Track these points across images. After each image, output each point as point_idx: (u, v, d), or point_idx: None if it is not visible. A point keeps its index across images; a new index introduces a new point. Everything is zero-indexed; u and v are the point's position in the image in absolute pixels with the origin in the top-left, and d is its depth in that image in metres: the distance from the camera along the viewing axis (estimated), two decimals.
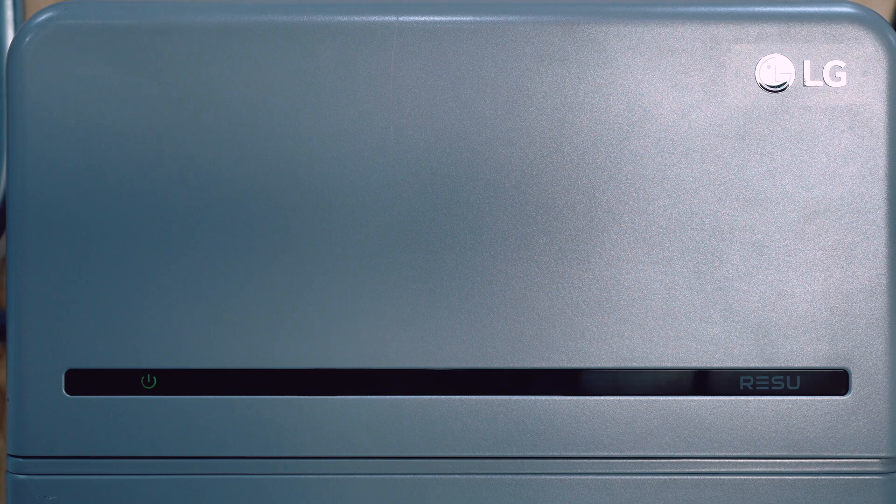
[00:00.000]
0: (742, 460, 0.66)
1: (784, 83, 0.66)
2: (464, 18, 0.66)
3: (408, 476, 0.66)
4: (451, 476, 0.66)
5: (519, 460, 0.66)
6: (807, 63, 0.66)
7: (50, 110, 0.65)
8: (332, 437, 0.66)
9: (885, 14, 0.91)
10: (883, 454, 0.66)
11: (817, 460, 0.66)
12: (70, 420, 0.66)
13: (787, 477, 0.66)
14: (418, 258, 0.65)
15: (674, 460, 0.66)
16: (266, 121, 0.65)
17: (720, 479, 0.66)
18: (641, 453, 0.66)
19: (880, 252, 0.65)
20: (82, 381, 0.66)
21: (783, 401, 0.66)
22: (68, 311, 0.65)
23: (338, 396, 0.66)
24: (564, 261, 0.65)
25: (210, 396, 0.66)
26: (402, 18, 0.66)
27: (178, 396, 0.66)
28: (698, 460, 0.66)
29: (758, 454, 0.66)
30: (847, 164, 0.65)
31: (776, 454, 0.66)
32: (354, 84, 0.65)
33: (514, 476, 0.66)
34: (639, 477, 0.66)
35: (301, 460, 0.66)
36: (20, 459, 0.66)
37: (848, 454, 0.66)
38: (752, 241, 0.65)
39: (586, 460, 0.66)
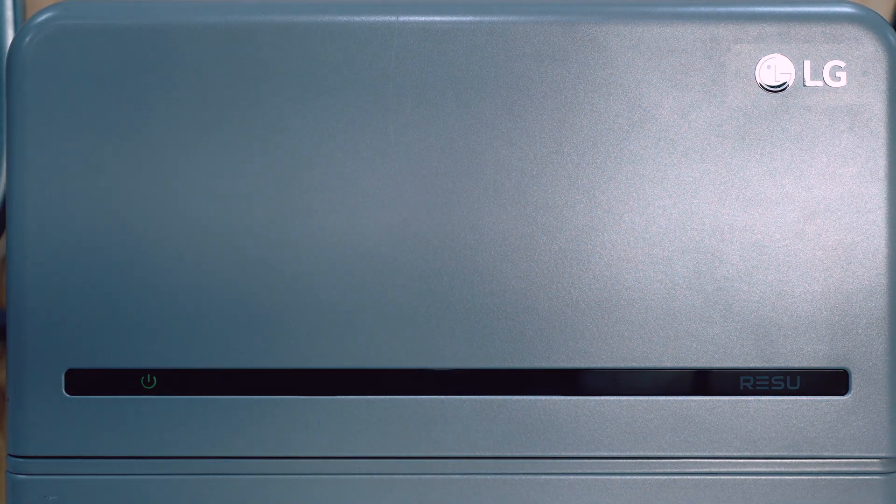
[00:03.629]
0: (742, 460, 0.66)
1: (784, 83, 0.66)
2: (464, 18, 0.66)
3: (408, 476, 0.66)
4: (451, 476, 0.66)
5: (519, 460, 0.66)
6: (807, 63, 0.66)
7: (50, 110, 0.65)
8: (332, 437, 0.66)
9: (885, 14, 0.91)
10: (883, 454, 0.66)
11: (817, 460, 0.66)
12: (70, 420, 0.66)
13: (787, 477, 0.66)
14: (418, 258, 0.65)
15: (674, 460, 0.66)
16: (266, 120, 0.65)
17: (720, 479, 0.66)
18: (641, 453, 0.66)
19: (880, 252, 0.65)
20: (82, 381, 0.66)
21: (783, 401, 0.66)
22: (68, 311, 0.65)
23: (338, 396, 0.66)
24: (564, 261, 0.65)
25: (210, 396, 0.66)
26: (402, 18, 0.66)
27: (178, 396, 0.66)
28: (698, 460, 0.66)
29: (758, 454, 0.66)
30: (847, 164, 0.65)
31: (776, 454, 0.66)
32: (354, 83, 0.65)
33: (514, 476, 0.66)
34: (639, 477, 0.66)
35: (301, 460, 0.66)
36: (20, 459, 0.66)
37: (848, 454, 0.66)
38: (752, 241, 0.65)
39: (586, 460, 0.66)
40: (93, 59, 0.65)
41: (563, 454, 0.66)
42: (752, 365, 0.66)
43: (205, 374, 0.66)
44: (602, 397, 0.66)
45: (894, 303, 0.65)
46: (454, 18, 0.66)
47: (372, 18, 0.66)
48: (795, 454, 0.66)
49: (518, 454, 0.66)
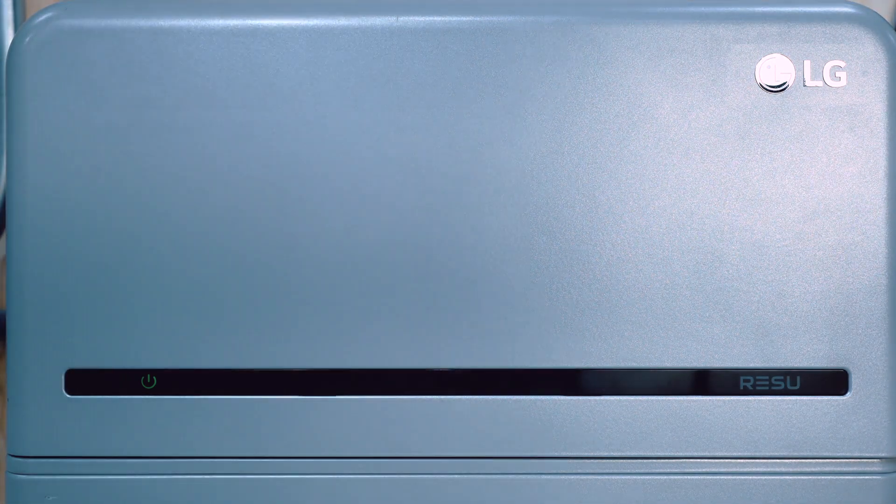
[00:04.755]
0: (742, 460, 0.66)
1: (784, 83, 0.66)
2: (464, 18, 0.66)
3: (408, 476, 0.66)
4: (452, 476, 0.66)
5: (519, 460, 0.66)
6: (807, 63, 0.66)
7: (50, 110, 0.65)
8: (332, 437, 0.66)
9: (885, 14, 0.91)
10: (883, 454, 0.66)
11: (817, 460, 0.66)
12: (70, 420, 0.66)
13: (787, 477, 0.66)
14: (418, 258, 0.65)
15: (674, 460, 0.66)
16: (266, 120, 0.65)
17: (720, 479, 0.66)
18: (641, 453, 0.66)
19: (880, 252, 0.65)
20: (82, 381, 0.66)
21: (783, 401, 0.66)
22: (68, 311, 0.65)
23: (338, 396, 0.66)
24: (564, 261, 0.65)
25: (210, 396, 0.66)
26: (402, 18, 0.66)
27: (178, 396, 0.66)
28: (698, 460, 0.66)
29: (758, 454, 0.66)
30: (847, 164, 0.65)
31: (776, 454, 0.66)
32: (355, 84, 0.65)
33: (514, 476, 0.66)
34: (639, 477, 0.66)
35: (301, 460, 0.66)
36: (20, 459, 0.66)
37: (848, 454, 0.66)
38: (752, 241, 0.65)
39: (586, 460, 0.66)
40: (93, 59, 0.65)
41: (564, 454, 0.66)
42: (752, 365, 0.66)
43: (205, 374, 0.66)
44: (602, 397, 0.66)
45: (894, 303, 0.65)
46: (454, 18, 0.66)
47: (372, 18, 0.66)
48: (795, 454, 0.66)
49: (518, 454, 0.66)
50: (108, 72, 0.65)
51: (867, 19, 0.66)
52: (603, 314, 0.65)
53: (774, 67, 0.66)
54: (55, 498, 0.66)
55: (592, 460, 0.66)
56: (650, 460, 0.66)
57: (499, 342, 0.65)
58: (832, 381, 0.66)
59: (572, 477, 0.66)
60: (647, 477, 0.66)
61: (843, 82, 0.65)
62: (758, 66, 0.65)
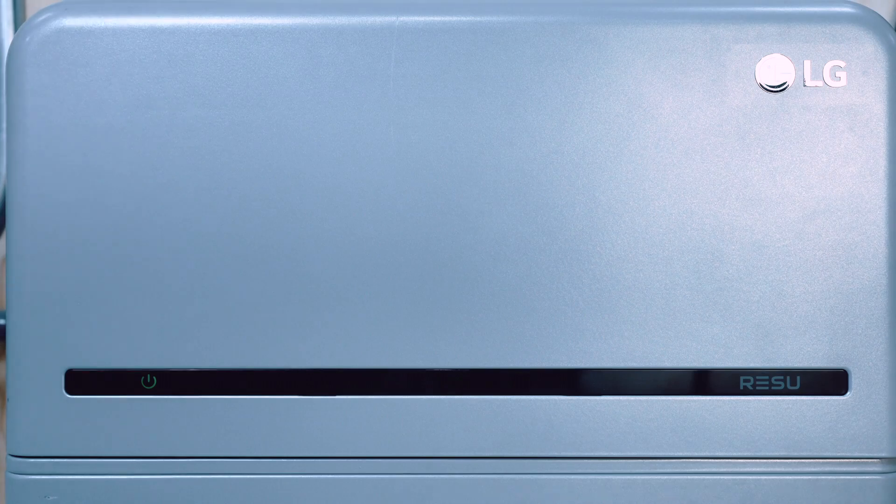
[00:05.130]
0: (742, 460, 0.66)
1: (784, 83, 0.66)
2: (464, 18, 0.66)
3: (408, 476, 0.66)
4: (452, 476, 0.66)
5: (519, 460, 0.66)
6: (807, 63, 0.66)
7: (50, 110, 0.65)
8: (333, 437, 0.66)
9: (885, 14, 0.91)
10: (883, 454, 0.66)
11: (817, 460, 0.66)
12: (70, 420, 0.66)
13: (787, 477, 0.66)
14: (418, 258, 0.65)
15: (674, 460, 0.66)
16: (266, 121, 0.65)
17: (720, 479, 0.66)
18: (641, 453, 0.66)
19: (880, 252, 0.65)
20: (82, 381, 0.66)
21: (783, 401, 0.66)
22: (68, 311, 0.65)
23: (338, 396, 0.66)
24: (564, 261, 0.65)
25: (210, 396, 0.66)
26: (402, 18, 0.66)
27: (178, 396, 0.66)
28: (698, 460, 0.66)
29: (758, 454, 0.66)
30: (847, 164, 0.65)
31: (776, 454, 0.66)
32: (355, 84, 0.65)
33: (514, 476, 0.66)
34: (639, 477, 0.66)
35: (301, 460, 0.66)
36: (20, 459, 0.66)
37: (848, 454, 0.66)
38: (752, 241, 0.65)
39: (586, 460, 0.66)
40: (93, 59, 0.65)
41: (564, 454, 0.66)
42: (752, 365, 0.66)
43: (205, 374, 0.66)
44: (602, 397, 0.66)
45: (894, 303, 0.65)
46: (454, 18, 0.66)
47: (372, 18, 0.66)
48: (795, 454, 0.66)
49: (518, 454, 0.66)
50: (107, 72, 0.65)
51: (867, 19, 0.66)
52: (603, 314, 0.65)
53: (774, 67, 0.66)
54: (55, 498, 0.66)
55: (593, 460, 0.66)
56: (650, 460, 0.66)
57: (499, 342, 0.65)
58: (832, 381, 0.66)
59: (572, 477, 0.66)
60: (647, 477, 0.66)
61: (843, 82, 0.65)
62: (758, 66, 0.66)
